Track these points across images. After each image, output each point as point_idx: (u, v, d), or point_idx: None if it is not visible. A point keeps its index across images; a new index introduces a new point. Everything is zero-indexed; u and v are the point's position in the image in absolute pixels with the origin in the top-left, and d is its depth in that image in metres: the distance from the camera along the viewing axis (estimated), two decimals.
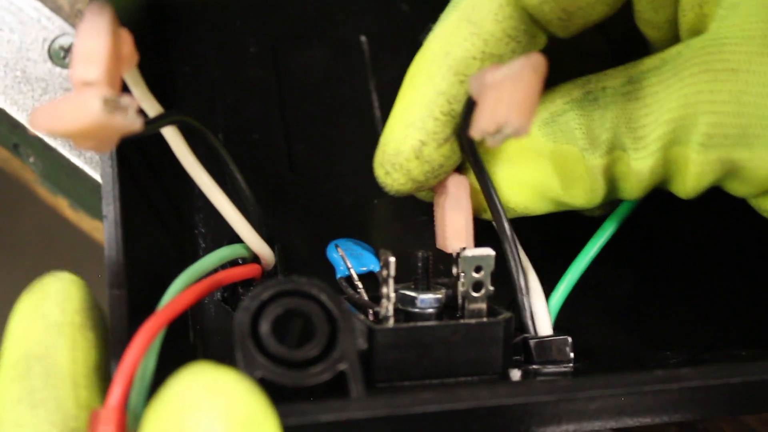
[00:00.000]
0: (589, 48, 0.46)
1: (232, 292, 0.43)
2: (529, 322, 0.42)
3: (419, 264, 0.41)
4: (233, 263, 0.42)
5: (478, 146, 0.41)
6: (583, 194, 0.41)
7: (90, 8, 0.35)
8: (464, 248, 0.41)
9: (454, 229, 0.42)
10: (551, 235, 0.46)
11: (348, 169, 0.48)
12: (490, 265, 0.40)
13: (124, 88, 0.39)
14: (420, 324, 0.39)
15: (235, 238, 0.43)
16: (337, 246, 0.45)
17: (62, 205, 0.53)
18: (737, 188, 0.39)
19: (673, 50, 0.39)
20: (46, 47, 0.49)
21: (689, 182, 0.39)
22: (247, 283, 0.43)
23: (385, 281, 0.39)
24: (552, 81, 0.39)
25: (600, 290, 0.46)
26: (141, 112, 0.37)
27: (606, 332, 0.46)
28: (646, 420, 0.37)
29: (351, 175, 0.48)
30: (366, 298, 0.43)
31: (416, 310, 0.40)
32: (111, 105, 0.33)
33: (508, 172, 0.42)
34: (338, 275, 0.45)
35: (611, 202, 0.42)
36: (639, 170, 0.39)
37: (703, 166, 0.38)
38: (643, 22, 0.41)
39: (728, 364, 0.38)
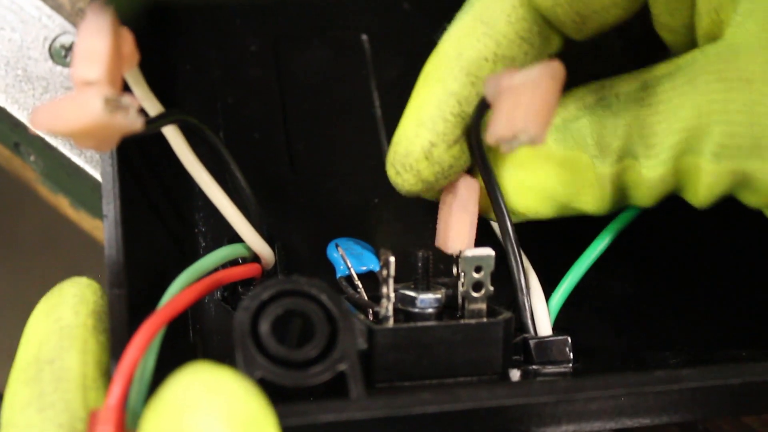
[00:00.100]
0: (606, 50, 0.46)
1: (232, 292, 0.43)
2: (529, 323, 0.42)
3: (419, 264, 0.41)
4: (233, 262, 0.42)
5: (489, 150, 0.41)
6: (593, 201, 0.40)
7: (91, 8, 0.35)
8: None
9: (458, 232, 0.42)
10: (552, 237, 0.46)
11: (349, 168, 0.48)
12: (491, 266, 0.40)
13: (125, 88, 0.39)
14: (420, 324, 0.39)
15: (235, 238, 0.43)
16: (337, 245, 0.45)
17: (63, 204, 0.53)
18: (750, 199, 0.39)
19: (689, 56, 0.39)
20: (47, 46, 0.49)
21: (701, 192, 0.38)
22: (247, 283, 0.43)
23: (385, 281, 0.39)
24: (569, 83, 0.39)
25: (600, 291, 0.46)
26: (142, 111, 0.38)
27: (606, 333, 0.46)
28: (646, 421, 0.38)
29: (352, 174, 0.48)
30: (366, 297, 0.43)
31: (416, 310, 0.40)
32: (112, 104, 0.34)
33: (517, 176, 0.42)
34: (338, 275, 0.45)
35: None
36: (650, 178, 0.39)
37: (715, 177, 0.38)
38: (659, 25, 0.41)
39: (728, 365, 0.38)
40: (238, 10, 0.50)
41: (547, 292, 0.42)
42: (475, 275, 0.40)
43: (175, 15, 0.49)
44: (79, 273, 0.40)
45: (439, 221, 0.43)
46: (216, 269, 0.41)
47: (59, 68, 0.49)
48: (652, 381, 0.37)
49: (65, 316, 0.37)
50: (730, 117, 0.37)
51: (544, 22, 0.40)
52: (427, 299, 0.40)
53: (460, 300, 0.40)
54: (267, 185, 0.46)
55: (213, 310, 0.44)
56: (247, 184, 0.43)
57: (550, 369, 0.41)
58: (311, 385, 0.36)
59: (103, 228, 0.39)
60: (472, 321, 0.40)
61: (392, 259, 0.38)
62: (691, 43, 0.41)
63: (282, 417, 0.33)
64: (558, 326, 0.42)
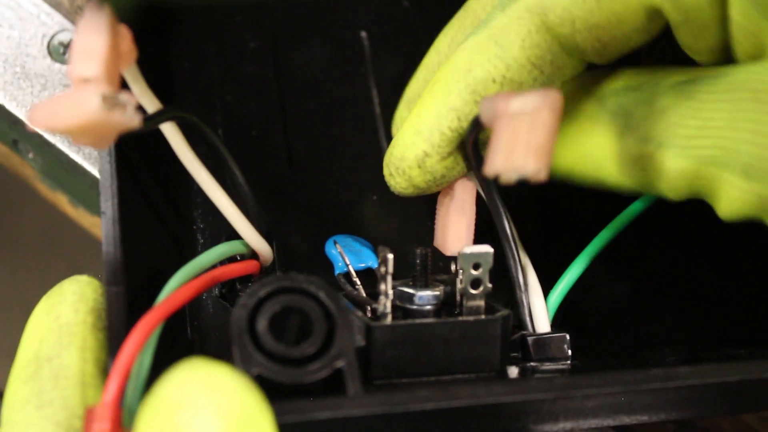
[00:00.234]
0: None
1: (230, 288, 0.43)
2: (528, 320, 0.42)
3: (418, 261, 0.41)
4: (231, 259, 0.42)
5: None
6: (616, 175, 0.40)
7: (89, 5, 0.35)
8: None
9: (455, 234, 0.42)
10: (551, 235, 0.46)
11: (347, 166, 0.48)
12: (489, 262, 0.40)
13: (124, 85, 0.39)
14: (418, 321, 0.39)
15: (233, 235, 0.43)
16: (335, 242, 0.45)
17: (62, 201, 0.53)
18: None
19: (734, 67, 0.38)
20: (45, 43, 0.49)
21: (725, 206, 0.38)
22: (245, 280, 0.43)
23: (383, 278, 0.39)
24: None
25: (598, 288, 0.46)
26: (140, 108, 0.37)
27: (604, 330, 0.46)
28: (644, 418, 0.38)
29: (350, 172, 0.48)
30: (364, 294, 0.43)
31: (414, 307, 0.40)
32: (110, 102, 0.33)
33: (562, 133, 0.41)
34: (336, 271, 0.45)
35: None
36: (671, 170, 0.38)
37: (741, 193, 0.37)
38: (685, 47, 0.40)
39: (726, 363, 0.38)
40: (237, 8, 0.50)
41: (546, 290, 0.42)
42: (474, 272, 0.40)
43: (173, 12, 0.49)
44: (78, 270, 0.40)
45: (437, 223, 0.43)
46: (214, 266, 0.41)
47: (57, 65, 0.49)
48: (650, 379, 0.37)
49: (65, 313, 0.37)
50: (760, 139, 0.36)
51: (561, 51, 0.40)
52: (426, 296, 0.40)
53: (458, 297, 0.40)
54: (265, 183, 0.46)
55: (211, 307, 0.44)
56: (245, 182, 0.43)
57: (548, 366, 0.41)
58: (308, 382, 0.36)
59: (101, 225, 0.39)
60: (470, 318, 0.40)
61: (390, 256, 0.38)
62: (717, 62, 0.41)
63: (279, 414, 0.33)
64: (556, 323, 0.42)
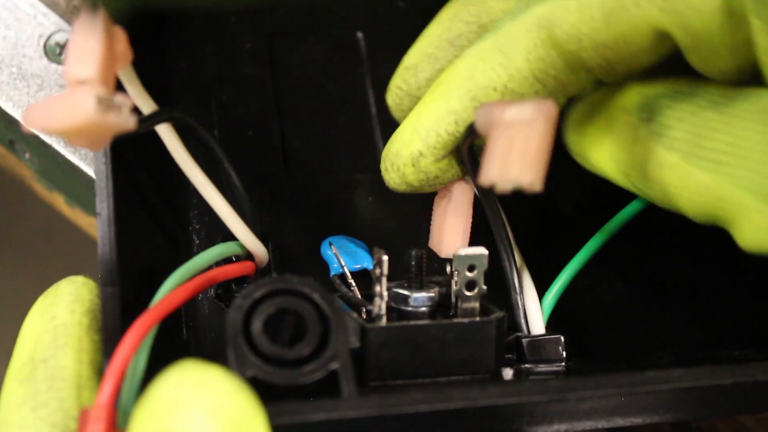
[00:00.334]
0: None
1: (225, 289, 0.43)
2: (522, 321, 0.42)
3: (413, 262, 0.41)
4: (227, 260, 0.42)
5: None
6: (640, 183, 0.40)
7: (85, 7, 0.35)
8: None
9: (451, 236, 0.42)
10: (546, 237, 0.46)
11: (343, 166, 0.48)
12: (484, 264, 0.40)
13: (119, 86, 0.39)
14: (412, 323, 0.39)
15: (229, 236, 0.43)
16: (330, 244, 0.45)
17: (58, 201, 0.53)
18: None
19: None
20: (41, 44, 0.49)
21: (747, 234, 0.37)
22: (241, 281, 0.43)
23: (378, 280, 0.39)
24: None
25: (593, 290, 0.46)
26: (135, 109, 0.38)
27: (598, 332, 0.46)
28: (638, 420, 0.38)
29: (346, 172, 0.48)
30: (359, 296, 0.43)
31: (409, 308, 0.40)
32: (104, 103, 0.34)
33: (592, 126, 0.41)
34: (332, 273, 0.45)
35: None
36: (695, 182, 0.37)
37: (760, 220, 0.36)
38: (696, 69, 0.39)
39: (720, 366, 0.38)
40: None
41: (541, 292, 0.42)
42: (469, 274, 0.40)
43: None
44: (76, 270, 0.40)
45: (432, 224, 0.43)
46: (210, 267, 0.41)
47: (54, 66, 0.49)
48: (644, 381, 0.37)
49: (60, 314, 0.37)
50: None
51: (565, 67, 0.40)
52: (420, 298, 0.40)
53: (453, 298, 0.40)
54: (261, 183, 0.46)
55: (206, 308, 0.44)
56: (240, 183, 0.43)
57: (542, 368, 0.41)
58: (303, 383, 0.36)
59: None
60: (465, 320, 0.40)
61: (385, 258, 0.39)
62: (732, 83, 0.40)
63: (274, 415, 0.33)
64: (551, 325, 0.42)
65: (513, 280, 0.42)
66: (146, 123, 0.40)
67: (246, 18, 0.50)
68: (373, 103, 0.49)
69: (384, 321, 0.39)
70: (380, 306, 0.39)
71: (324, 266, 0.45)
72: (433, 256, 0.43)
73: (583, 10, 0.38)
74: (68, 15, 0.49)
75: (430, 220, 0.44)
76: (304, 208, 0.47)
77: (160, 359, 0.35)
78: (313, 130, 0.49)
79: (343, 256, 0.45)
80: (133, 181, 0.43)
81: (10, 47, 0.49)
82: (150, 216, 0.44)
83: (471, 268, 0.40)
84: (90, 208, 0.52)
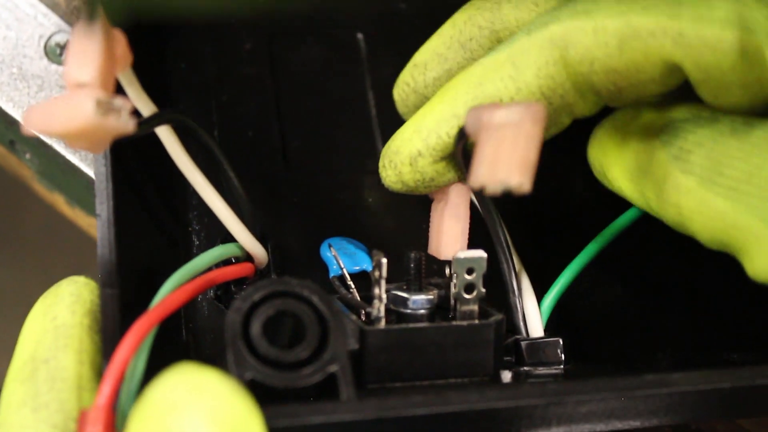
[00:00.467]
0: None
1: (225, 291, 0.44)
2: (521, 324, 0.42)
3: (412, 265, 0.41)
4: (226, 262, 0.42)
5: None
6: (655, 204, 0.40)
7: (85, 10, 0.35)
8: None
9: (450, 238, 0.42)
10: (545, 240, 0.46)
11: (343, 167, 0.48)
12: (483, 267, 0.40)
13: (119, 88, 0.39)
14: (411, 326, 0.39)
15: (228, 237, 0.43)
16: (330, 245, 0.45)
17: (59, 201, 0.53)
18: None
19: None
20: (42, 44, 0.49)
21: (758, 264, 0.37)
22: (240, 282, 0.43)
23: (377, 282, 0.39)
24: None
25: (592, 293, 0.46)
26: (135, 111, 0.38)
27: (597, 334, 0.46)
28: (636, 423, 0.38)
29: (346, 173, 0.48)
30: (358, 297, 0.43)
31: (408, 311, 0.40)
32: (104, 106, 0.34)
33: (613, 144, 0.41)
34: (331, 274, 0.45)
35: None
36: (710, 207, 0.37)
37: None
38: (705, 101, 0.39)
39: (718, 370, 0.38)
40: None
41: (539, 295, 0.42)
42: (467, 277, 0.40)
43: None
44: (76, 269, 0.40)
45: (431, 228, 0.43)
46: (209, 269, 0.41)
47: (54, 66, 0.49)
48: (643, 385, 0.37)
49: (61, 315, 0.37)
50: None
51: (572, 89, 0.40)
52: (419, 300, 0.40)
53: (452, 301, 0.40)
54: (261, 184, 0.46)
55: (206, 309, 0.44)
56: (240, 184, 0.43)
57: (541, 370, 0.41)
58: (302, 386, 0.36)
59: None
60: (464, 323, 0.40)
61: (384, 260, 0.39)
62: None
63: (272, 418, 0.33)
64: (550, 328, 0.42)
65: (511, 282, 0.42)
66: (146, 125, 0.40)
67: (246, 18, 0.50)
68: (373, 104, 0.49)
69: (383, 323, 0.39)
70: (379, 308, 0.39)
71: (323, 267, 0.45)
72: (432, 257, 0.43)
73: (598, 34, 0.38)
74: (69, 16, 0.49)
75: (428, 220, 0.44)
76: (304, 209, 0.47)
77: (159, 360, 0.35)
78: (313, 130, 0.49)
79: (342, 258, 0.45)
80: (132, 182, 0.43)
81: (11, 48, 0.49)
82: (150, 217, 0.44)
83: (470, 271, 0.40)
84: (90, 209, 0.52)
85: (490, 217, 0.42)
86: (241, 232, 0.43)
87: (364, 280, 0.44)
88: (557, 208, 0.48)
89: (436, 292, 0.41)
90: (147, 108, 0.41)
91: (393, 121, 0.46)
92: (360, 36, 0.51)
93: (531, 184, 0.35)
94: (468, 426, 0.36)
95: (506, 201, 0.42)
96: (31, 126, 0.34)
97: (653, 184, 0.40)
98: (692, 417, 0.38)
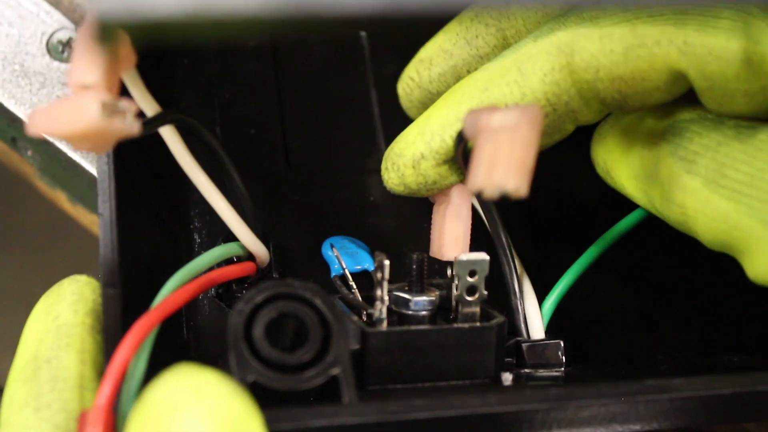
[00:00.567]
0: None
1: (226, 290, 0.44)
2: (522, 326, 0.42)
3: (414, 266, 0.41)
4: (228, 261, 0.42)
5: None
6: (659, 204, 0.40)
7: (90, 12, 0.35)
8: None
9: (452, 238, 0.42)
10: (546, 242, 0.46)
11: (345, 166, 0.48)
12: (485, 270, 0.40)
13: (123, 88, 0.39)
14: (413, 328, 0.39)
15: (230, 236, 0.43)
16: (331, 245, 0.45)
17: (61, 198, 0.53)
18: None
19: None
20: (44, 41, 0.49)
21: (758, 266, 0.37)
22: (242, 281, 0.43)
23: (379, 284, 0.39)
24: None
25: (593, 295, 0.46)
26: (139, 111, 0.37)
27: (598, 337, 0.46)
28: (637, 428, 0.38)
29: (348, 172, 0.48)
30: (360, 298, 0.43)
31: (410, 312, 0.40)
32: (109, 109, 0.34)
33: (619, 144, 0.42)
34: (333, 274, 0.45)
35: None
36: (713, 209, 0.38)
37: None
38: (708, 109, 0.40)
39: (719, 376, 0.38)
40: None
41: (541, 297, 0.42)
42: (470, 279, 0.40)
43: None
44: (78, 267, 0.40)
45: (432, 230, 0.43)
46: (211, 268, 0.41)
47: (56, 64, 0.49)
48: (644, 390, 0.37)
49: (63, 314, 0.37)
50: None
51: (577, 96, 0.40)
52: (421, 302, 0.40)
53: (453, 303, 0.40)
54: (263, 182, 0.46)
55: (207, 308, 0.44)
56: (242, 184, 0.43)
57: (542, 373, 0.41)
58: (304, 389, 0.36)
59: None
60: (465, 325, 0.40)
61: (386, 262, 0.39)
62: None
63: (274, 421, 0.33)
64: (551, 330, 0.42)
65: (513, 284, 0.42)
66: (150, 126, 0.40)
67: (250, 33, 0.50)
68: (376, 103, 0.49)
69: (384, 325, 0.39)
70: (381, 310, 0.39)
71: (325, 266, 0.45)
72: (433, 258, 0.43)
73: (604, 42, 0.38)
74: (71, 13, 0.49)
75: (431, 220, 0.44)
76: (306, 208, 0.47)
77: (160, 360, 0.35)
78: (316, 129, 0.49)
79: (344, 257, 0.45)
80: (135, 181, 0.43)
81: (13, 45, 0.49)
82: (152, 215, 0.44)
83: (472, 273, 0.40)
84: (92, 206, 0.52)
85: (491, 218, 0.42)
86: (242, 231, 0.43)
87: (365, 279, 0.44)
88: (558, 209, 0.48)
89: (437, 293, 0.41)
90: (151, 108, 0.41)
91: (396, 120, 0.46)
92: (363, 34, 0.51)
93: (528, 188, 0.35)
94: (469, 429, 0.36)
95: (507, 202, 0.42)
96: (36, 128, 0.34)
97: (658, 183, 0.40)
98: (693, 422, 0.38)
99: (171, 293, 0.37)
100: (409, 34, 0.50)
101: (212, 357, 0.42)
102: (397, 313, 0.41)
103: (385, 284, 0.39)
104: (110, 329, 0.36)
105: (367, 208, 0.47)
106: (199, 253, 0.42)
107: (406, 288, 0.41)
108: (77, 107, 0.33)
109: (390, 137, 0.43)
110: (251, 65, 0.49)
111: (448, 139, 0.41)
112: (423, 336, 0.39)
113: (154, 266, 0.42)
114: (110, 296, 0.37)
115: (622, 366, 0.44)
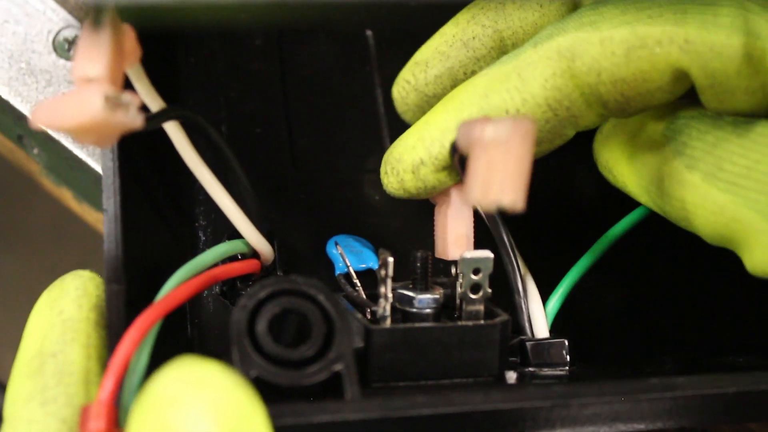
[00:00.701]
0: None
1: (230, 287, 0.44)
2: (526, 325, 0.42)
3: (418, 264, 0.41)
4: (232, 258, 0.42)
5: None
6: (658, 200, 0.40)
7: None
8: None
9: (456, 237, 0.42)
10: (550, 241, 0.46)
11: (350, 165, 0.48)
12: (489, 268, 0.40)
13: (128, 83, 0.39)
14: (417, 325, 0.39)
15: (235, 233, 0.43)
16: (336, 243, 0.45)
17: (66, 196, 0.53)
18: None
19: None
20: (50, 39, 0.49)
21: (757, 258, 0.37)
22: (246, 278, 0.43)
23: (383, 281, 0.39)
24: None
25: (597, 294, 0.46)
26: (143, 106, 0.37)
27: (602, 336, 0.46)
28: (640, 426, 0.38)
29: (353, 171, 0.48)
30: (364, 296, 0.43)
31: (414, 310, 0.40)
32: (112, 102, 0.34)
33: (619, 141, 0.42)
34: (337, 272, 0.45)
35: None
36: (711, 202, 0.38)
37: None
38: (709, 108, 0.40)
39: (723, 375, 0.38)
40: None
41: (545, 296, 0.42)
42: (474, 277, 0.40)
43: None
44: (85, 265, 0.40)
45: (436, 231, 0.43)
46: (214, 265, 0.41)
47: (62, 61, 0.49)
48: (647, 388, 0.37)
49: (68, 309, 0.37)
50: None
51: (580, 99, 0.39)
52: (425, 299, 0.40)
53: (457, 301, 0.40)
54: (268, 180, 0.46)
55: (211, 305, 0.44)
56: (247, 181, 0.43)
57: (546, 371, 0.41)
58: (307, 384, 0.36)
59: None
60: (469, 323, 0.40)
61: (390, 259, 0.39)
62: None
63: (277, 416, 0.33)
64: (555, 329, 0.42)
65: (516, 283, 0.42)
66: (154, 121, 0.40)
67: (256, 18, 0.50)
68: (382, 102, 0.49)
69: (388, 322, 0.39)
70: (385, 307, 0.39)
71: (329, 265, 0.45)
72: (439, 258, 0.43)
73: (605, 44, 0.38)
74: (77, 11, 0.49)
75: (434, 220, 0.44)
76: (311, 206, 0.47)
77: (163, 356, 0.35)
78: (321, 127, 0.49)
79: (348, 256, 0.45)
80: (139, 178, 0.43)
81: (20, 43, 0.49)
82: (156, 212, 0.44)
83: (476, 271, 0.40)
84: (98, 204, 0.52)
85: (493, 218, 0.42)
86: (247, 228, 0.43)
87: (369, 277, 0.44)
88: (562, 208, 0.48)
89: (441, 291, 0.41)
90: (155, 103, 0.41)
91: (401, 119, 0.46)
92: (369, 33, 0.51)
93: (524, 202, 0.35)
94: (472, 427, 0.36)
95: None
96: (40, 121, 0.34)
97: (658, 179, 0.40)
98: (697, 421, 0.38)
99: (174, 288, 0.37)
100: (416, 34, 0.50)
101: (216, 354, 0.42)
102: (401, 310, 0.41)
103: (389, 281, 0.39)
104: (114, 325, 0.37)
105: (371, 207, 0.47)
106: (203, 251, 0.42)
107: (411, 286, 0.41)
108: (80, 100, 0.33)
109: (395, 137, 0.43)
110: (257, 64, 0.49)
111: (448, 146, 0.41)
112: (427, 333, 0.39)
113: (158, 263, 0.42)
114: (114, 292, 0.37)
115: (626, 365, 0.44)
